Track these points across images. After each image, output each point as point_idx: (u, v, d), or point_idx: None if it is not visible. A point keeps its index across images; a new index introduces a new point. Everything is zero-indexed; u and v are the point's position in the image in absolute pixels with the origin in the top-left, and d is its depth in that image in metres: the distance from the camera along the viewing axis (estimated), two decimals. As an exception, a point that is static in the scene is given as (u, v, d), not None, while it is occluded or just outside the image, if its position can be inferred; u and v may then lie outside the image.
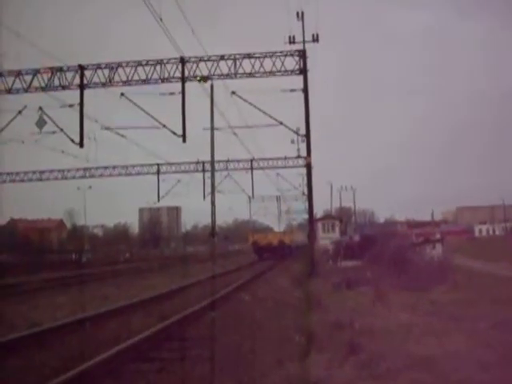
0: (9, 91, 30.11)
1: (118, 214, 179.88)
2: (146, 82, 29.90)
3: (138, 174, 49.48)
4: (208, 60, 29.98)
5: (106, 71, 29.92)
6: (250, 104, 31.77)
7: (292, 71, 30.70)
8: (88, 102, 30.15)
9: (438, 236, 43.50)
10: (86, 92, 30.03)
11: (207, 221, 66.36)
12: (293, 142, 41.72)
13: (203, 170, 49.68)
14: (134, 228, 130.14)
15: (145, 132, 33.22)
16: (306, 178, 36.57)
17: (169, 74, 29.82)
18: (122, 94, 30.16)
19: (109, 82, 30.03)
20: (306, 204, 36.14)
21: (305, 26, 32.95)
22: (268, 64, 30.11)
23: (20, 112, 31.83)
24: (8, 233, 78.19)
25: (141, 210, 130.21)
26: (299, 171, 51.49)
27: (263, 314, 14.77)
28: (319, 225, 52.84)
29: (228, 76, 30.29)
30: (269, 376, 8.45)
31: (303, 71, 30.87)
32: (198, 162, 49.38)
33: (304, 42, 32.41)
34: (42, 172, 47.48)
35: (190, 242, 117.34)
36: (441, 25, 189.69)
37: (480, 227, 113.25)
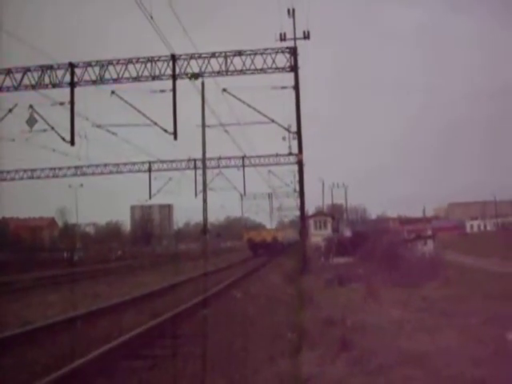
0: (-1, 89, 30.01)
1: (109, 212, 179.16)
2: (136, 79, 29.85)
3: (130, 171, 49.41)
4: (199, 57, 29.95)
5: (97, 69, 29.86)
6: (241, 101, 31.79)
7: (283, 68, 30.70)
8: (79, 99, 30.15)
9: (429, 232, 43.72)
10: (77, 90, 29.97)
11: (199, 218, 66.37)
12: (284, 139, 41.76)
13: (195, 168, 49.63)
14: (126, 226, 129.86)
15: (136, 130, 33.28)
16: (297, 175, 36.60)
17: (160, 71, 29.77)
18: (113, 92, 30.13)
19: (99, 80, 29.96)
20: (298, 201, 36.16)
21: (296, 23, 32.96)
22: (259, 61, 30.15)
23: (10, 110, 31.76)
24: (-1, 231, 77.89)
25: (132, 208, 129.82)
26: (291, 168, 51.65)
27: (255, 311, 14.77)
28: (311, 222, 52.80)
29: (219, 73, 30.28)
30: (261, 373, 8.45)
31: (294, 68, 30.88)
32: (189, 160, 49.33)
33: (295, 39, 32.38)
34: (33, 170, 47.29)
35: (181, 239, 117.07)
36: (435, 22, 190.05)
37: (471, 223, 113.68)
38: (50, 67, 29.89)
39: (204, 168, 39.51)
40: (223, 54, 30.16)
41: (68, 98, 29.71)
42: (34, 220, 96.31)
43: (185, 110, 31.98)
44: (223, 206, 75.15)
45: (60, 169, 47.23)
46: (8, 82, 29.94)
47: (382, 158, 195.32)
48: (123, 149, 55.18)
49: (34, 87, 30.07)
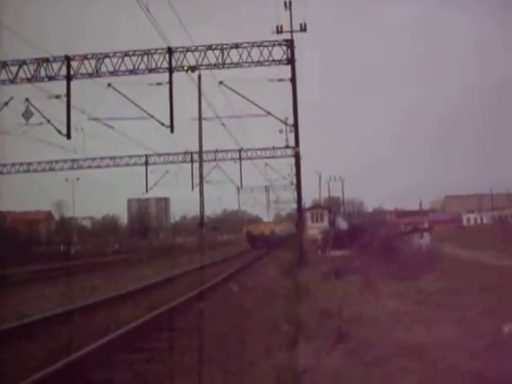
0: (-5, 82, 29.92)
1: (106, 206, 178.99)
2: (133, 72, 29.78)
3: (126, 165, 49.27)
4: (195, 50, 29.90)
5: (93, 62, 29.80)
6: (238, 94, 31.76)
7: (280, 61, 30.66)
8: (75, 92, 30.06)
9: (426, 225, 43.74)
10: (73, 83, 29.90)
11: (196, 211, 66.39)
12: (281, 131, 41.76)
13: (191, 161, 49.54)
14: (123, 219, 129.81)
15: (132, 123, 33.25)
16: (294, 168, 36.62)
17: (156, 64, 29.72)
18: (109, 85, 30.07)
19: (96, 73, 29.91)
20: (295, 194, 36.17)
21: (292, 15, 32.89)
22: (256, 54, 30.11)
23: (6, 103, 31.61)
24: (-4, 225, 77.81)
25: (129, 201, 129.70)
26: (288, 161, 51.55)
27: (252, 304, 14.79)
28: (308, 214, 52.87)
29: (215, 66, 30.23)
30: (257, 365, 8.46)
31: (291, 61, 30.84)
32: (186, 153, 49.22)
33: (292, 31, 32.31)
34: (29, 164, 47.12)
35: (178, 232, 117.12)
36: (429, 15, 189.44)
37: (468, 216, 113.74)
38: (46, 60, 29.81)
39: (201, 161, 39.48)
40: (220, 47, 30.10)
41: (64, 91, 29.67)
42: (31, 213, 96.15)
43: (181, 102, 31.91)
44: (220, 199, 75.06)
45: (56, 162, 47.05)
46: (4, 75, 29.88)
47: (379, 151, 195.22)
48: (120, 142, 55.16)
49: (30, 80, 29.99)
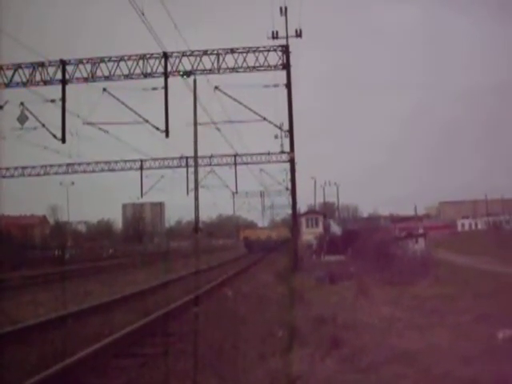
0: (-10, 86, 29.86)
1: (101, 210, 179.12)
2: (128, 77, 29.74)
3: (121, 169, 49.19)
4: (191, 55, 29.88)
5: (88, 66, 29.73)
6: (234, 99, 31.80)
7: (275, 66, 30.69)
8: (70, 97, 29.98)
9: (420, 230, 43.80)
10: (68, 87, 29.83)
11: (191, 216, 66.41)
12: (276, 137, 41.71)
13: (187, 166, 49.53)
14: (118, 224, 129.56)
15: (128, 127, 33.15)
16: (289, 174, 36.58)
17: (151, 69, 29.69)
18: (105, 90, 30.02)
19: (91, 77, 29.85)
20: (290, 199, 36.16)
21: (288, 21, 32.97)
22: (251, 59, 30.11)
23: (1, 107, 31.49)
24: (-10, 230, 77.53)
25: (124, 206, 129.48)
26: (283, 166, 51.46)
27: (246, 309, 14.74)
28: (303, 220, 52.97)
29: (211, 71, 30.22)
30: (251, 371, 8.44)
31: (286, 66, 30.87)
32: (181, 158, 49.21)
33: (287, 37, 32.41)
34: (24, 168, 47.03)
35: (173, 237, 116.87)
36: (428, 19, 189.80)
37: (463, 222, 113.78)
38: (42, 64, 29.73)
39: (196, 166, 39.48)
40: (215, 52, 30.10)
41: (59, 96, 29.61)
42: (25, 218, 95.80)
43: (177, 107, 31.92)
44: (215, 204, 75.21)
45: (51, 166, 47.02)
46: (-1, 79, 29.81)
47: (374, 156, 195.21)
48: (115, 146, 55.09)
49: (25, 84, 29.93)
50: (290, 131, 32.16)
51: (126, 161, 48.69)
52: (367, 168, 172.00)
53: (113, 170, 48.90)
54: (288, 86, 31.44)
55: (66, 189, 72.73)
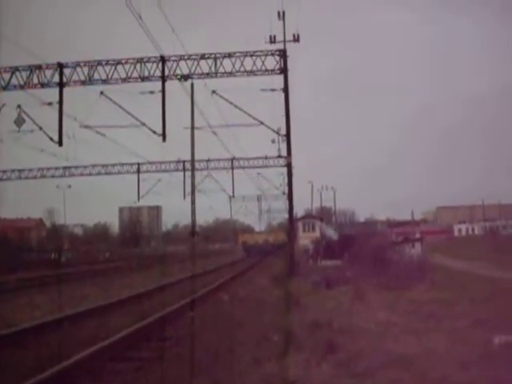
0: (-13, 89, 29.82)
1: (98, 213, 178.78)
2: (125, 80, 29.73)
3: (118, 172, 49.19)
4: (188, 59, 29.88)
5: (86, 69, 29.71)
6: (231, 103, 31.80)
7: (273, 70, 30.69)
8: (67, 100, 29.95)
9: (417, 235, 43.79)
10: (66, 90, 29.80)
11: (188, 220, 66.33)
12: (273, 141, 41.69)
13: (183, 169, 49.54)
14: (115, 227, 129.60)
15: (125, 131, 33.14)
16: (286, 178, 36.59)
17: (149, 72, 29.68)
18: (102, 93, 30.02)
19: (88, 80, 29.83)
20: (287, 203, 36.15)
21: (286, 25, 33.00)
22: (249, 63, 30.12)
23: (-1, 110, 31.51)
24: (-13, 232, 77.40)
25: (121, 210, 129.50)
26: (280, 171, 51.48)
27: (242, 314, 14.73)
28: (299, 224, 52.97)
29: (208, 75, 30.22)
30: (247, 375, 8.41)
31: (284, 71, 30.88)
32: (178, 161, 49.20)
33: (285, 41, 32.46)
34: (20, 171, 47.01)
35: (170, 241, 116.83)
36: (429, 23, 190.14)
37: (459, 227, 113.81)
38: (39, 67, 29.72)
39: (193, 170, 39.40)
40: (213, 56, 30.12)
41: (56, 98, 29.59)
42: (22, 221, 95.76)
43: (174, 111, 31.90)
44: (212, 208, 75.26)
45: (48, 169, 47.00)
46: (-4, 82, 29.77)
47: (371, 161, 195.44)
48: (112, 150, 54.94)
49: (22, 87, 29.90)
50: (287, 135, 32.17)
51: (122, 164, 48.73)
52: (365, 172, 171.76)
53: (110, 174, 48.96)
54: (285, 90, 31.48)
55: (63, 192, 72.67)
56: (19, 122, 31.01)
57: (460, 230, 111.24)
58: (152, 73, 29.66)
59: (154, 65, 29.60)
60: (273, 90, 32.20)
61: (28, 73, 29.81)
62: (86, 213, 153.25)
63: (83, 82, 29.86)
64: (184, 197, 49.65)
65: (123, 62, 29.70)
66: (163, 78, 29.50)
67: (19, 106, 30.93)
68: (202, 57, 30.06)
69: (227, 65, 30.06)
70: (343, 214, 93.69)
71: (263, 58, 30.38)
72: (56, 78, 29.69)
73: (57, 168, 46.76)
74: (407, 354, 9.12)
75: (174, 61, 29.80)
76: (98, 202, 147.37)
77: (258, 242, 77.01)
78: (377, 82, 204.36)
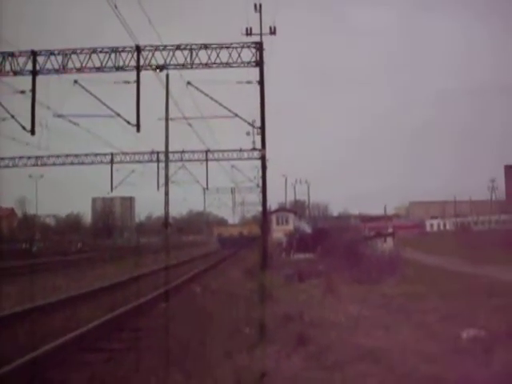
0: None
1: (70, 204, 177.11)
2: (100, 69, 29.44)
3: (92, 163, 48.76)
4: (164, 49, 29.68)
5: (60, 58, 29.35)
6: (206, 95, 31.70)
7: (248, 63, 30.63)
8: (40, 88, 29.60)
9: (389, 230, 44.12)
10: (39, 78, 29.44)
11: (161, 212, 66.08)
12: (248, 134, 41.64)
13: (157, 161, 49.33)
14: (87, 218, 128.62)
15: (98, 120, 32.91)
16: (260, 171, 36.63)
17: (124, 62, 29.40)
18: (76, 82, 29.69)
19: (62, 69, 29.48)
20: (261, 196, 36.20)
21: (262, 18, 32.92)
22: (224, 55, 30.01)
23: (-30, 97, 31.06)
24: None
25: (94, 200, 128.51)
26: (254, 164, 51.48)
27: (214, 306, 14.72)
28: (273, 217, 53.03)
29: (184, 66, 30.05)
30: (217, 367, 8.41)
31: (259, 63, 30.84)
32: (152, 153, 48.96)
33: (261, 34, 32.38)
34: (-8, 159, 46.41)
35: (143, 232, 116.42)
36: (403, 19, 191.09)
37: (431, 222, 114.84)
38: (12, 54, 29.32)
39: (167, 161, 39.34)
40: (188, 47, 29.95)
41: (29, 87, 29.23)
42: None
43: (148, 102, 31.76)
44: (186, 200, 75.18)
45: (20, 158, 46.46)
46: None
47: (345, 155, 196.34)
48: (85, 140, 54.40)
49: (-6, 75, 29.50)
50: (262, 128, 32.16)
51: (96, 154, 48.26)
52: (338, 167, 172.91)
53: (83, 164, 48.52)
54: (261, 83, 31.45)
55: (35, 181, 71.99)
56: (-9, 110, 30.61)
57: (432, 226, 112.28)
58: (127, 63, 29.40)
59: (130, 55, 29.34)
60: (248, 82, 32.12)
61: (0, 60, 29.39)
62: (58, 203, 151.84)
63: (57, 71, 29.49)
64: (158, 188, 49.50)
65: (98, 50, 29.40)
66: (138, 68, 29.26)
67: (-9, 94, 30.52)
68: (178, 47, 29.87)
69: (203, 56, 29.95)
70: (317, 207, 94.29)
71: (239, 50, 30.31)
72: (29, 66, 29.31)
73: (29, 157, 46.25)
74: (377, 348, 9.18)
75: (149, 51, 29.57)
76: (71, 192, 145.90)
77: (233, 234, 78.46)
78: (353, 76, 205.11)
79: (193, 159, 49.55)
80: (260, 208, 42.51)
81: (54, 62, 29.32)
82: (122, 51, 29.37)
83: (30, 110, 29.13)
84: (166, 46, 29.64)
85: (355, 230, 42.27)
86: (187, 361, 8.80)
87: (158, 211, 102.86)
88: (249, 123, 34.39)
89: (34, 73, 29.21)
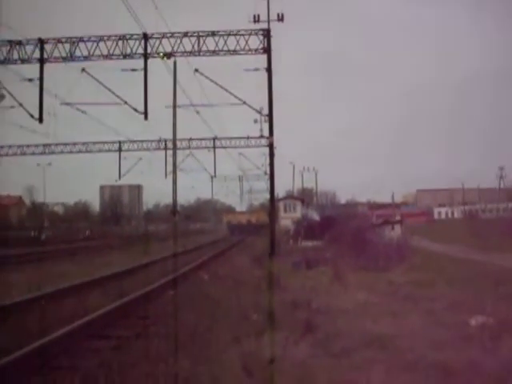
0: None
1: (78, 192, 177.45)
2: (107, 57, 29.44)
3: (99, 151, 48.74)
4: (171, 37, 29.64)
5: (67, 45, 29.37)
6: (213, 82, 31.65)
7: (256, 50, 30.54)
8: (48, 76, 29.64)
9: (397, 218, 44.04)
10: (46, 66, 29.48)
11: (169, 199, 66.41)
12: (256, 121, 41.58)
13: (165, 148, 49.25)
14: (95, 206, 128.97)
15: (106, 108, 32.90)
16: (268, 158, 36.57)
17: (131, 50, 29.41)
18: (83, 70, 29.68)
19: (70, 57, 29.50)
20: (268, 184, 36.18)
21: (270, 4, 32.76)
22: (232, 42, 29.95)
23: (-22, 86, 31.12)
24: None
25: (102, 188, 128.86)
26: (262, 151, 51.38)
27: (222, 293, 14.75)
28: (281, 205, 53.05)
29: (191, 53, 30.00)
30: (225, 353, 8.44)
31: (267, 50, 30.75)
32: (159, 140, 48.86)
33: (269, 21, 32.21)
34: (0, 147, 46.50)
35: (151, 220, 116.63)
36: (414, 4, 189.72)
37: (439, 210, 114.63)
38: (19, 43, 29.34)
39: (174, 149, 39.27)
40: (196, 34, 29.89)
41: (37, 75, 29.27)
42: (1, 198, 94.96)
43: (156, 89, 31.72)
44: (193, 188, 75.37)
45: (28, 146, 46.50)
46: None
47: (353, 143, 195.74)
48: (93, 127, 54.54)
49: (2, 62, 29.51)
50: (270, 116, 32.09)
51: (104, 142, 48.24)
52: (346, 154, 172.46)
53: (91, 152, 48.50)
54: (268, 70, 31.35)
55: (43, 169, 72.17)
56: (-1, 97, 30.68)
57: (440, 213, 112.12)
58: (134, 50, 29.39)
59: (137, 42, 29.33)
60: (256, 69, 32.03)
61: (8, 48, 29.40)
62: (66, 191, 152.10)
63: (64, 59, 29.52)
64: (165, 176, 49.47)
65: (105, 38, 29.39)
66: (145, 56, 29.26)
67: (-1, 82, 30.57)
68: (185, 35, 29.82)
69: (210, 43, 29.89)
70: (324, 195, 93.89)
71: (247, 37, 30.23)
72: (37, 54, 29.35)
73: (37, 145, 46.28)
74: (384, 335, 9.19)
75: (156, 38, 29.55)
76: (79, 180, 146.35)
77: (241, 221, 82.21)
78: (362, 63, 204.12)
79: (200, 147, 49.48)
80: (268, 196, 42.55)
81: (62, 49, 29.39)
82: (130, 39, 29.37)
83: (38, 97, 29.19)
84: (173, 34, 29.60)
85: (363, 217, 42.18)
86: (195, 347, 8.83)
87: (166, 199, 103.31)
88: (256, 110, 34.32)
89: (42, 61, 29.26)
